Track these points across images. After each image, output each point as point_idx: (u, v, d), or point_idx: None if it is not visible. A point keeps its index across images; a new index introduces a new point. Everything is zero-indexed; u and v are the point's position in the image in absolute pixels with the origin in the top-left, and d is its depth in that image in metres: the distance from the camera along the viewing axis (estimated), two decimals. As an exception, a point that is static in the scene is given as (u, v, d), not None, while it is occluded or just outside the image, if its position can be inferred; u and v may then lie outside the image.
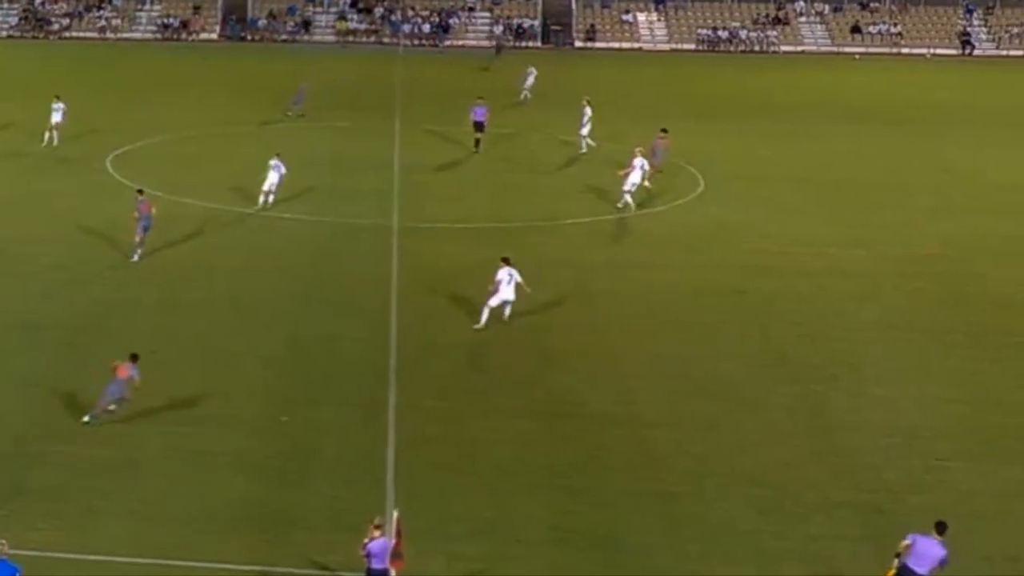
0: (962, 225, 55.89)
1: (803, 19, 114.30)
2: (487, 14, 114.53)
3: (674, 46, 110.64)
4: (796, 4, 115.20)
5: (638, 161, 56.96)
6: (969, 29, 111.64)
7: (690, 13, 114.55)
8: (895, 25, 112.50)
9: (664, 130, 62.87)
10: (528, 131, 73.39)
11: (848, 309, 46.02)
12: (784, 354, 41.94)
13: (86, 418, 35.47)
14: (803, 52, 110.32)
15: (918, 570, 26.24)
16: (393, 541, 26.64)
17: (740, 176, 62.28)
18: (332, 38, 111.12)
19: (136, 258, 48.91)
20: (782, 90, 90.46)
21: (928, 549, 26.28)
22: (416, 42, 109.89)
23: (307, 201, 57.89)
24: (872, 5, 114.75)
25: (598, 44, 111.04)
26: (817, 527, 31.13)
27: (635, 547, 30.10)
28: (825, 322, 44.86)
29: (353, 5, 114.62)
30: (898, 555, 26.52)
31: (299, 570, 28.47)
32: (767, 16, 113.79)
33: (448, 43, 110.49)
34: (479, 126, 67.35)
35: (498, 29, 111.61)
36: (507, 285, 43.49)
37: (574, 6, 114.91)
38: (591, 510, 31.74)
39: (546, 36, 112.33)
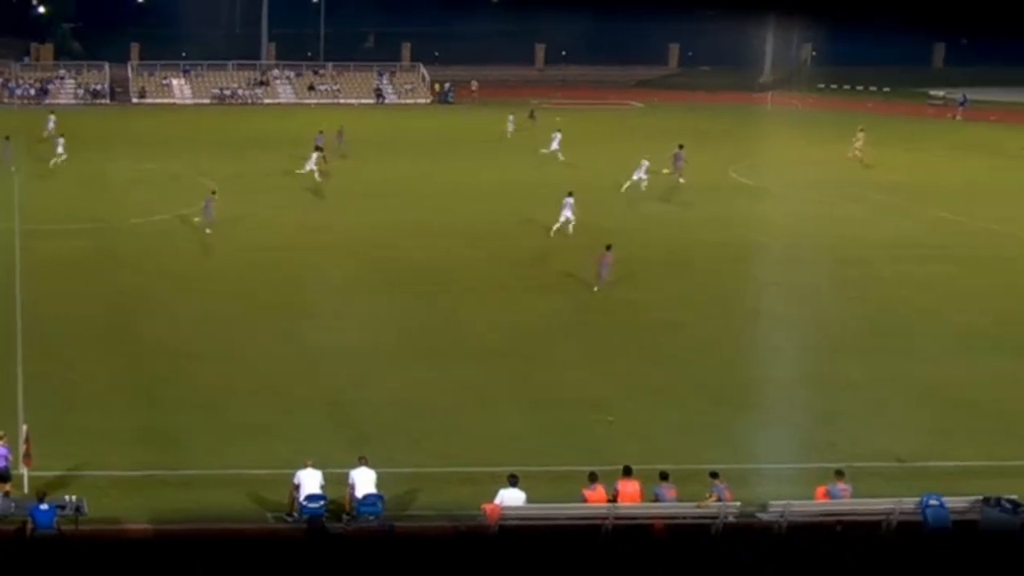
0: (387, 215, 55.24)
1: (278, 81, 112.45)
2: (73, 80, 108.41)
3: (197, 101, 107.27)
4: (273, 71, 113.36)
5: (645, 162, 57.43)
6: (381, 86, 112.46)
7: (206, 78, 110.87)
8: (336, 84, 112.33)
9: (681, 145, 60.96)
10: (115, 160, 69.47)
11: (318, 271, 45.67)
12: (277, 302, 41.27)
13: (595, 288, 40.66)
14: (279, 104, 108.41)
15: None
16: (22, 447, 26.20)
17: (244, 187, 60.72)
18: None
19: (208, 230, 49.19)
20: (264, 129, 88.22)
21: None
22: (25, 101, 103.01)
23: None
24: (320, 72, 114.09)
25: (147, 100, 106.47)
26: (300, 417, 31.17)
27: (195, 443, 29.62)
28: (303, 277, 44.48)
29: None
30: None
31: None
32: (255, 79, 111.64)
33: (48, 102, 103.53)
34: (318, 147, 63.79)
35: (80, 92, 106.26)
36: (567, 209, 48.46)
37: (130, 74, 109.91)
38: (166, 418, 31.04)
39: (113, 95, 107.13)
